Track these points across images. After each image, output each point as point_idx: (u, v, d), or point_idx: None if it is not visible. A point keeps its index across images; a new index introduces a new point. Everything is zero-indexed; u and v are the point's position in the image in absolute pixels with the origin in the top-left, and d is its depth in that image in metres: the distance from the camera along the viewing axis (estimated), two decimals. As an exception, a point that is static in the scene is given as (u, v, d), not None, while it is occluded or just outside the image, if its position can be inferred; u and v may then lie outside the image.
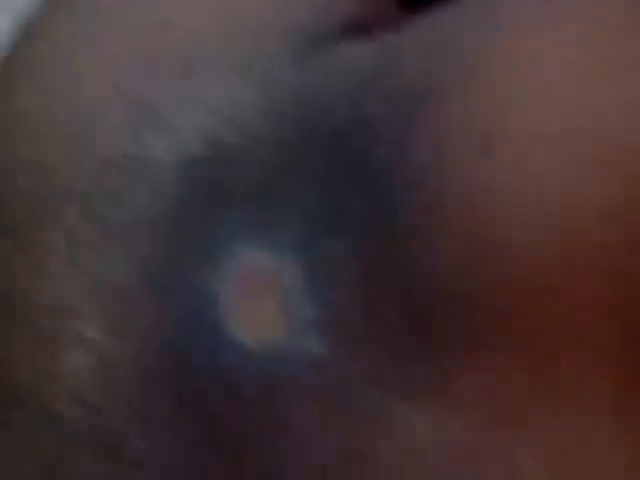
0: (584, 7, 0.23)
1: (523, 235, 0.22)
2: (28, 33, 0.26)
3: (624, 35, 0.23)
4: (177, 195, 0.23)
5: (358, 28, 0.25)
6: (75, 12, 0.25)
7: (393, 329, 0.21)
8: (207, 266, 0.23)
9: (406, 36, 0.24)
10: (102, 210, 0.24)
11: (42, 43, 0.25)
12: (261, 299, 0.22)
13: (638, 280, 0.22)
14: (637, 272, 0.22)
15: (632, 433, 0.22)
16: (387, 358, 0.22)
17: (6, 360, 0.24)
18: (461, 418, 0.21)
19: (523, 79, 0.23)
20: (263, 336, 0.22)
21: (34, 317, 0.23)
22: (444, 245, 0.22)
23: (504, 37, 0.23)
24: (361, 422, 0.21)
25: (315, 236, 0.22)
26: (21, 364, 0.23)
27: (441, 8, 0.24)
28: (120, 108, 0.24)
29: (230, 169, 0.23)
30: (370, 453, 0.21)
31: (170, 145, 0.24)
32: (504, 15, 0.24)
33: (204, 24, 0.25)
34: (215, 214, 0.23)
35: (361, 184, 0.22)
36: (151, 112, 0.24)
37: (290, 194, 0.23)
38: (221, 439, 0.22)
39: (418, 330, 0.22)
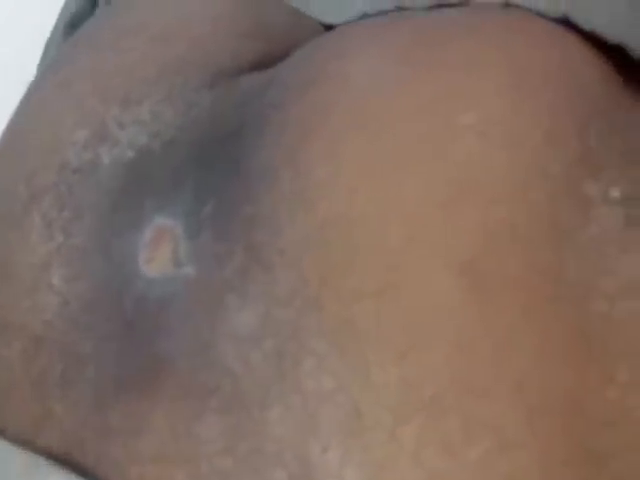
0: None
1: None
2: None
3: None
4: (115, 186, 0.33)
5: (264, 63, 0.35)
6: (57, 65, 0.37)
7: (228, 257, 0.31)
8: (134, 231, 0.32)
9: (282, 64, 0.34)
10: (65, 197, 0.34)
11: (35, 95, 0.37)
12: (162, 247, 0.32)
13: None
14: None
15: None
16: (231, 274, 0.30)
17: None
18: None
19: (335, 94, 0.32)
20: (162, 270, 0.32)
21: (20, 271, 0.33)
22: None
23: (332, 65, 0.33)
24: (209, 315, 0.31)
25: (194, 206, 0.32)
26: (9, 305, 0.33)
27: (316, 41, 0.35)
28: (81, 128, 0.34)
29: (152, 166, 0.33)
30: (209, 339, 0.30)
31: (111, 152, 0.34)
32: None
33: (144, 69, 0.35)
34: (140, 198, 0.33)
35: (226, 171, 0.32)
36: (101, 129, 0.34)
37: (186, 181, 0.33)
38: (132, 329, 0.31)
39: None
